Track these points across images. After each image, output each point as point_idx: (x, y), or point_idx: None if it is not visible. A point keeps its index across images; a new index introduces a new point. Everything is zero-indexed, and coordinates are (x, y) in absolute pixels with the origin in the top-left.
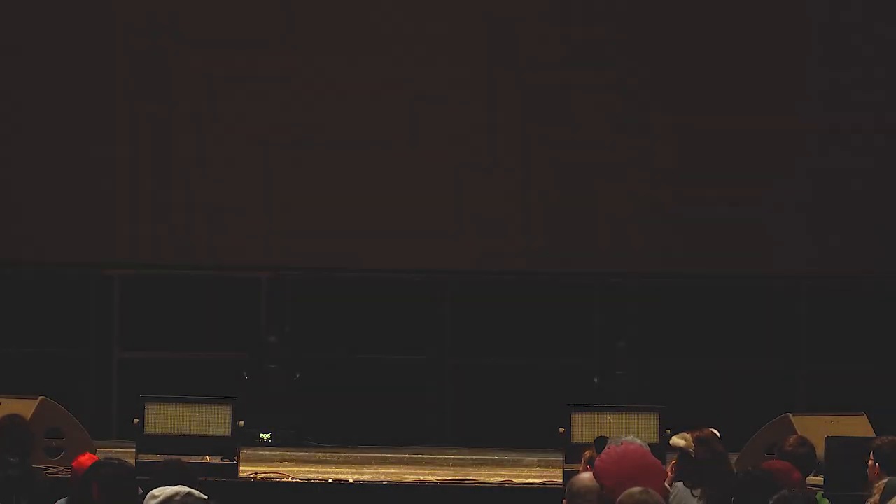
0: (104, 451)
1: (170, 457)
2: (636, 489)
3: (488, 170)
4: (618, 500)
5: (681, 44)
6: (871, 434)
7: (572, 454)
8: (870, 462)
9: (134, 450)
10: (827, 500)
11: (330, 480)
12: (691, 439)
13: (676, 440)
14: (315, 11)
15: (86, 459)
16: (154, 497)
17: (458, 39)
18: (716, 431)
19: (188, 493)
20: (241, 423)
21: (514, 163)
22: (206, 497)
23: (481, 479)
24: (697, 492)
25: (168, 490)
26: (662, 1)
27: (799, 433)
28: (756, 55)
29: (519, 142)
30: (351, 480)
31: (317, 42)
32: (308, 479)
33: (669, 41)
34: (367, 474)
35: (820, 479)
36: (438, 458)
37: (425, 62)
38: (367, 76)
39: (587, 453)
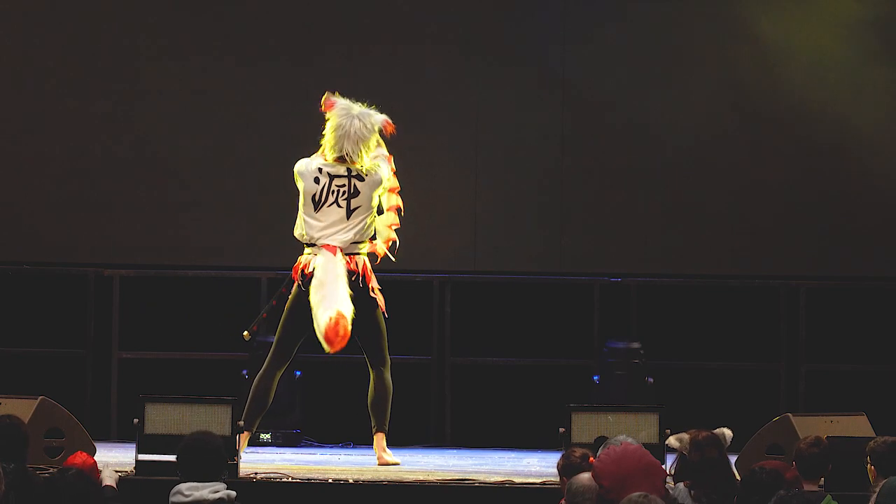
0: (104, 452)
1: (199, 433)
2: (636, 494)
3: (489, 170)
4: None
5: (678, 48)
6: (872, 434)
7: None
8: (868, 465)
9: (134, 450)
10: (836, 503)
11: (330, 480)
12: (687, 440)
13: (672, 441)
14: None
15: (76, 459)
16: (182, 495)
17: (457, 36)
18: (726, 431)
19: (217, 500)
20: (241, 422)
21: (514, 163)
22: (233, 495)
23: (481, 479)
24: (694, 493)
25: (196, 493)
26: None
27: (799, 433)
28: (752, 55)
29: (518, 142)
30: (351, 480)
31: (312, 41)
32: (308, 479)
33: (666, 46)
34: (367, 474)
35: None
36: (438, 458)
37: (422, 62)
38: (363, 74)
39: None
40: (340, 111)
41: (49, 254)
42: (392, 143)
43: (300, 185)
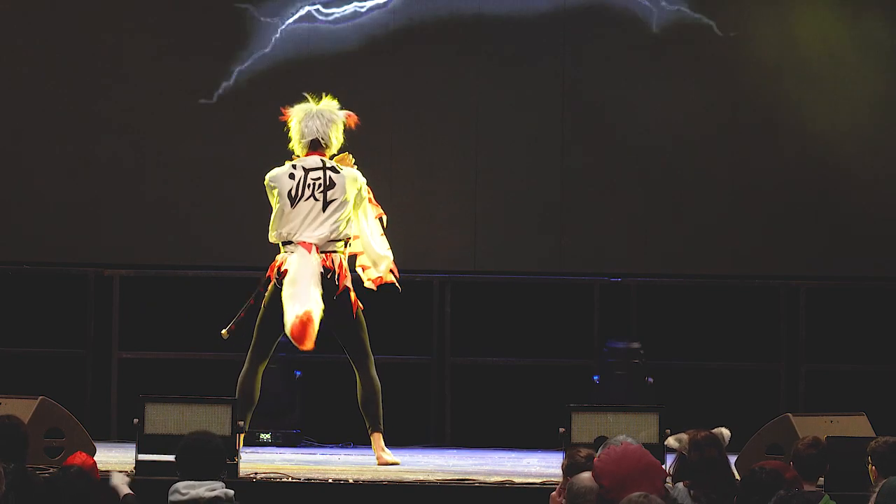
0: (104, 452)
1: (198, 433)
2: (636, 494)
3: (489, 170)
4: None
5: (677, 48)
6: (872, 434)
7: None
8: (869, 465)
9: (134, 450)
10: (834, 503)
11: (330, 480)
12: (686, 440)
13: (671, 441)
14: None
15: (76, 459)
16: (179, 493)
17: (456, 36)
18: (724, 431)
19: (214, 498)
20: (241, 422)
21: (514, 163)
22: (231, 494)
23: (481, 479)
24: (693, 493)
25: (192, 492)
26: None
27: (799, 433)
28: (749, 56)
29: (518, 142)
30: (351, 480)
31: (313, 36)
32: (308, 479)
33: (666, 46)
34: (367, 474)
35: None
36: (438, 458)
37: (422, 62)
38: (363, 75)
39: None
40: (299, 109)
41: (49, 254)
42: (393, 142)
43: (274, 190)
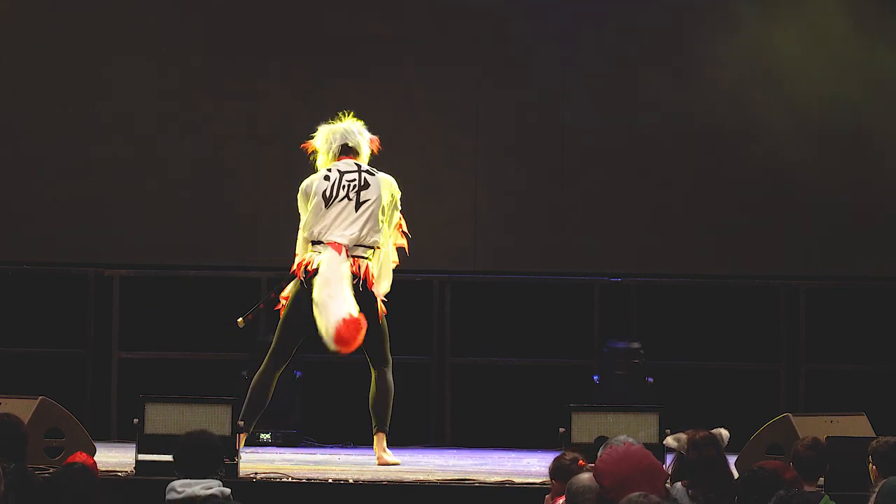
0: (104, 452)
1: (196, 432)
2: (635, 494)
3: (489, 170)
4: None
5: (678, 48)
6: (872, 434)
7: None
8: (870, 465)
9: (134, 450)
10: (834, 503)
11: (330, 480)
12: (685, 440)
13: (670, 441)
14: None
15: (76, 459)
16: (175, 491)
17: (455, 37)
18: (723, 431)
19: (209, 496)
20: (241, 422)
21: (514, 163)
22: (227, 492)
23: (481, 479)
24: (692, 492)
25: (188, 490)
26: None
27: (799, 433)
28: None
29: (518, 142)
30: (351, 480)
31: (311, 41)
32: (308, 479)
33: (667, 46)
34: (367, 474)
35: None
36: (438, 458)
37: (423, 61)
38: (363, 74)
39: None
40: (324, 129)
41: (49, 254)
42: (393, 142)
43: (308, 195)
